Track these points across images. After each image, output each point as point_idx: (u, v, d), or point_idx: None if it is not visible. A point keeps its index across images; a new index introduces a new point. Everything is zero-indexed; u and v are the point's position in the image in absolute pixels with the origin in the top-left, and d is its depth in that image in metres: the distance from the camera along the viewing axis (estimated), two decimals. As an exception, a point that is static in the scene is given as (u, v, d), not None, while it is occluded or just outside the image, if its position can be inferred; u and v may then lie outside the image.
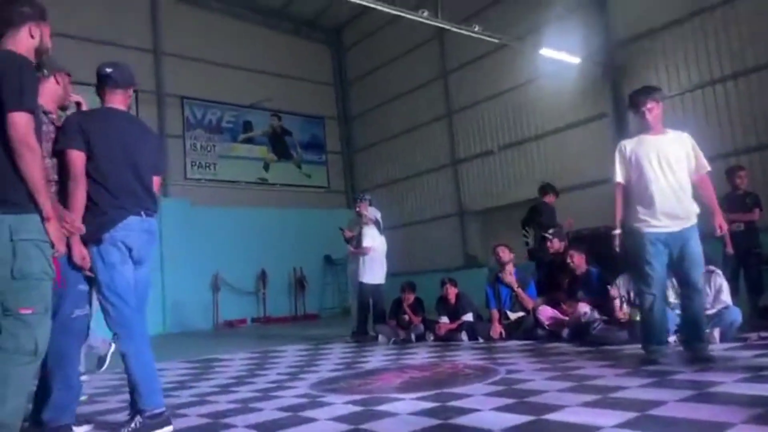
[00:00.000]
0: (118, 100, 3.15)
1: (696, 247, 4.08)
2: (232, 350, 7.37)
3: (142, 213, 3.06)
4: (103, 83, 3.14)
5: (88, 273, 2.93)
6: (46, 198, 2.36)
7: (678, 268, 4.19)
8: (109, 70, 3.13)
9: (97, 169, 2.96)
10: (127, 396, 3.09)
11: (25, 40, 2.49)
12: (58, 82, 3.05)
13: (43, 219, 2.36)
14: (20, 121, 2.28)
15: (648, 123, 4.25)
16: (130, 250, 3.01)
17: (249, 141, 16.17)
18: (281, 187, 16.48)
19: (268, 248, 14.67)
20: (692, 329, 4.11)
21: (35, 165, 2.31)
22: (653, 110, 4.21)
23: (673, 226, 4.10)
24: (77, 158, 2.91)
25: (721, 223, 4.13)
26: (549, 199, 8.36)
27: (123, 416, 3.35)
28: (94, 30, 13.55)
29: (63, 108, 3.15)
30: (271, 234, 14.83)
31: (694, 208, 4.14)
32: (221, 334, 11.67)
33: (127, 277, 3.00)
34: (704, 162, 4.19)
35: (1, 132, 2.29)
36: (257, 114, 16.37)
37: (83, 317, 2.98)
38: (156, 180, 3.25)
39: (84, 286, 2.98)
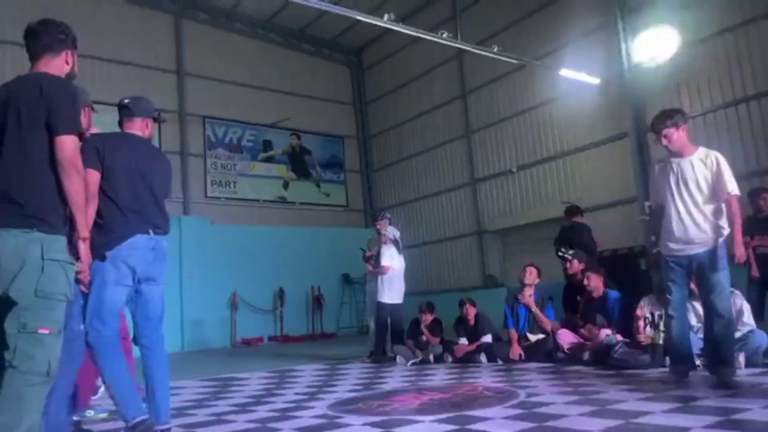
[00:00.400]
0: (135, 128, 3.33)
1: (714, 271, 4.00)
2: (250, 369, 7.38)
3: (150, 231, 3.14)
4: (120, 113, 3.35)
5: (83, 289, 2.95)
6: (84, 219, 2.45)
7: (700, 290, 4.18)
8: (126, 101, 3.35)
9: (111, 187, 3.07)
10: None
11: (60, 66, 2.60)
12: (85, 116, 3.17)
13: (73, 238, 2.42)
14: (71, 145, 2.40)
15: (667, 149, 4.23)
16: (133, 270, 3.07)
17: (269, 160, 16.34)
18: (300, 206, 16.58)
19: (286, 266, 14.71)
20: (715, 353, 4.05)
21: (80, 186, 2.43)
22: (670, 136, 4.17)
23: (689, 251, 4.10)
24: (92, 176, 3.00)
25: (738, 255, 4.01)
26: (578, 219, 8.24)
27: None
28: (121, 52, 13.91)
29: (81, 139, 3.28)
30: (289, 252, 14.89)
31: (715, 233, 4.04)
32: (238, 353, 11.69)
33: (116, 299, 3.06)
34: (726, 184, 4.01)
35: (44, 154, 2.38)
36: (277, 133, 16.56)
37: (82, 333, 3.00)
38: None
39: (81, 301, 2.99)
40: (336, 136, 17.90)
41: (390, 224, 7.92)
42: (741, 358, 4.53)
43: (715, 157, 4.12)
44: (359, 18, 9.11)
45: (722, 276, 4.01)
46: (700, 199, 4.07)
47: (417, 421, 3.40)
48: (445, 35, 9.78)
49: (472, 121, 14.93)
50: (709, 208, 4.07)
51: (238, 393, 5.28)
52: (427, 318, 7.18)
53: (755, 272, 5.92)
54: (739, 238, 4.03)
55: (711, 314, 4.05)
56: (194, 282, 13.15)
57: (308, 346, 12.10)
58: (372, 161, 18.17)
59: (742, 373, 4.29)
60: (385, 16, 8.94)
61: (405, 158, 16.82)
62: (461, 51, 13.10)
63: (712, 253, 4.02)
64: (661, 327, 5.08)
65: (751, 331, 4.73)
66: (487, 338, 6.52)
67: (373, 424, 3.40)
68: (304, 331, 14.89)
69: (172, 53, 15.11)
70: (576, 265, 6.61)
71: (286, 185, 16.51)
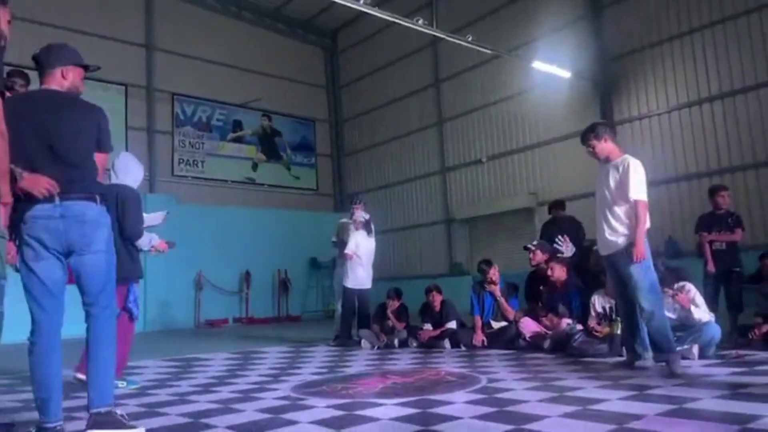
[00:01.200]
0: (52, 81, 2.90)
1: (627, 269, 4.27)
2: (213, 350, 7.33)
3: (56, 198, 2.74)
4: (37, 68, 2.94)
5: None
6: (6, 184, 2.33)
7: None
8: (36, 53, 2.91)
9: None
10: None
11: None
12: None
13: None
14: None
15: (596, 158, 4.69)
16: (40, 242, 2.73)
17: (238, 140, 16.12)
18: (269, 188, 16.44)
19: (253, 248, 14.60)
20: (652, 344, 4.31)
21: (4, 151, 2.28)
22: (594, 147, 4.61)
23: (606, 250, 4.45)
24: None
25: (636, 253, 4.20)
26: (563, 212, 8.13)
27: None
28: (87, 22, 13.47)
29: None
30: (256, 234, 14.77)
31: (628, 231, 4.28)
32: (202, 333, 11.59)
33: (43, 276, 2.75)
34: (629, 189, 4.29)
35: None
36: (247, 113, 16.33)
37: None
38: (100, 157, 2.99)
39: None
40: (308, 119, 17.74)
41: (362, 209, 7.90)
42: (694, 349, 4.68)
43: (628, 163, 4.40)
44: (335, 0, 9.00)
45: (636, 270, 4.24)
46: (610, 202, 4.40)
47: (380, 404, 3.43)
48: (420, 22, 9.75)
49: (444, 110, 14.97)
50: (620, 211, 4.34)
51: (201, 373, 5.24)
52: (394, 304, 7.23)
53: (711, 267, 6.12)
54: (639, 239, 4.23)
55: (637, 308, 4.34)
56: (158, 261, 12.91)
57: (273, 328, 12.07)
58: (343, 145, 18.09)
59: (696, 364, 4.43)
60: (361, 0, 8.86)
61: (376, 144, 16.80)
62: (436, 38, 13.09)
63: (626, 249, 4.28)
64: (615, 318, 5.24)
65: (705, 324, 4.88)
66: (452, 324, 6.60)
67: (336, 407, 3.42)
68: (270, 314, 14.83)
69: (142, 27, 14.72)
70: (539, 256, 6.70)
71: (255, 167, 16.33)
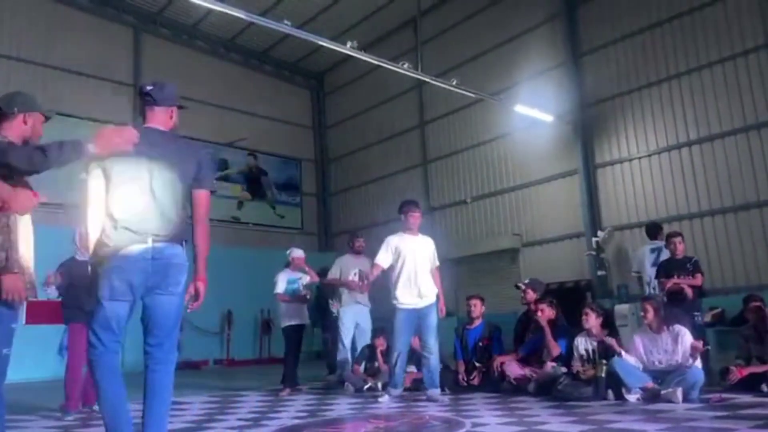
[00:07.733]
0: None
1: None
2: (192, 393, 7.15)
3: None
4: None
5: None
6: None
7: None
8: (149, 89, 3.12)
9: None
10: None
11: None
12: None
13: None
14: None
15: (409, 226, 6.27)
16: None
17: (224, 179, 16.11)
18: (254, 227, 16.36)
19: (236, 288, 14.39)
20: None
21: None
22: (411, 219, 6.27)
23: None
24: None
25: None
26: None
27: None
28: (76, 62, 13.59)
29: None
30: (240, 274, 14.58)
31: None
32: (181, 375, 11.30)
33: None
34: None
35: None
36: (233, 152, 16.38)
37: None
38: None
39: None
40: (293, 158, 17.83)
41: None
42: (678, 393, 4.66)
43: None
44: (322, 43, 9.18)
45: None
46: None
47: (361, 450, 3.36)
48: (405, 66, 9.94)
49: (429, 151, 15.12)
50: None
51: (177, 418, 5.09)
52: (382, 343, 7.13)
53: (670, 285, 6.30)
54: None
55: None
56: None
57: (255, 370, 11.83)
58: (329, 185, 18.15)
59: (680, 408, 4.41)
60: (348, 44, 9.02)
61: (362, 184, 16.86)
62: (421, 82, 13.32)
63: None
64: (599, 360, 5.23)
65: (689, 367, 4.88)
66: (436, 367, 6.52)
67: (317, 453, 3.34)
68: (252, 355, 14.57)
69: (130, 67, 14.85)
70: (531, 294, 6.70)
71: (240, 205, 16.29)
